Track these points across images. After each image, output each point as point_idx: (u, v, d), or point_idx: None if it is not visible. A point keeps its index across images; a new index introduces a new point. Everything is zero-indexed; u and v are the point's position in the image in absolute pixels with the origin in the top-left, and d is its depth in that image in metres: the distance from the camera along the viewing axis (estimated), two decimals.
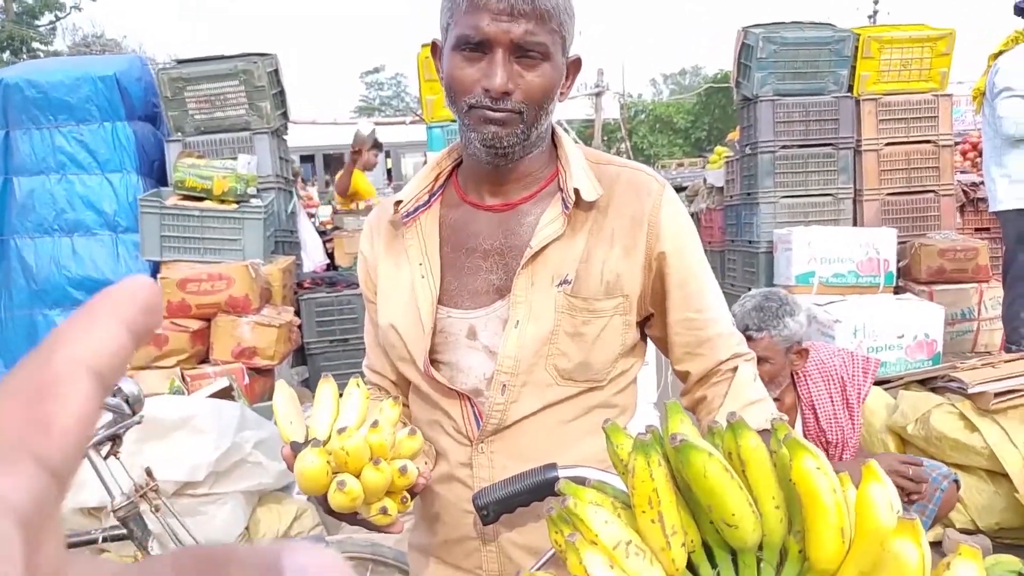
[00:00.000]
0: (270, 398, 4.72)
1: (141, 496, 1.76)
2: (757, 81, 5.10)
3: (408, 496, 1.03)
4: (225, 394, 3.52)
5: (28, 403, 0.22)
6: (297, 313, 4.96)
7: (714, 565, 0.73)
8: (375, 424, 0.95)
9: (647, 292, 1.17)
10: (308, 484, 0.93)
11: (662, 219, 1.15)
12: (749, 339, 2.20)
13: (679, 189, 8.95)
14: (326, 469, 0.92)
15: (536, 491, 1.04)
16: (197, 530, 2.81)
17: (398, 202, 1.21)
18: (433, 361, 1.17)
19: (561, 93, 1.16)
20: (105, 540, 1.80)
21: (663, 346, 1.23)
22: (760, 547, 0.72)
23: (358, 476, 0.93)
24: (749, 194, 5.44)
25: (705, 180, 7.13)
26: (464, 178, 1.23)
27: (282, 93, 5.17)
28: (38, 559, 0.20)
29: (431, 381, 1.17)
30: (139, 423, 1.75)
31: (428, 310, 1.16)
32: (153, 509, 1.78)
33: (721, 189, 6.39)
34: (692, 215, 7.86)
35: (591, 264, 1.13)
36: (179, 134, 4.94)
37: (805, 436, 2.44)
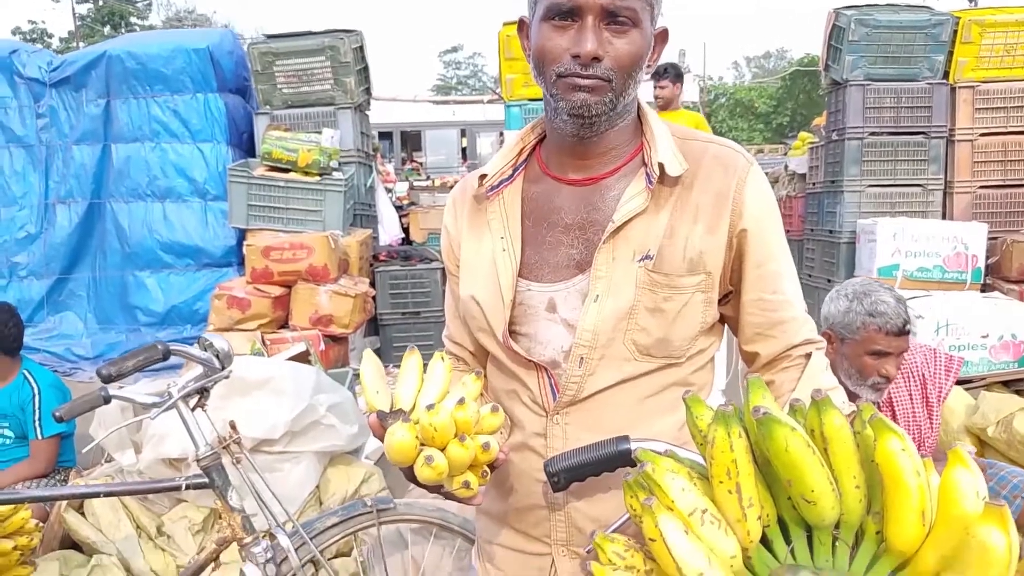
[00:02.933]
0: (344, 364, 4.87)
1: (224, 447, 1.85)
2: (847, 64, 4.91)
3: (488, 470, 1.06)
4: (302, 358, 3.66)
5: None
6: (372, 284, 5.09)
7: (788, 541, 0.73)
8: (461, 401, 0.98)
9: (728, 270, 1.16)
10: (397, 456, 0.97)
11: (746, 196, 1.13)
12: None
13: None
14: (415, 443, 0.96)
15: (607, 462, 1.05)
16: (273, 485, 2.94)
17: (482, 176, 1.23)
18: (512, 333, 1.19)
19: (648, 65, 1.15)
20: (188, 488, 1.91)
21: (734, 325, 1.22)
22: (837, 526, 0.72)
23: (443, 450, 0.96)
24: (833, 182, 5.27)
25: (787, 166, 6.92)
26: (547, 153, 1.24)
27: (366, 69, 5.27)
28: None
29: (509, 352, 1.19)
30: (227, 378, 1.83)
31: (508, 282, 1.17)
32: (234, 461, 1.87)
33: (803, 176, 6.20)
34: None
35: (675, 240, 1.12)
36: (267, 107, 5.10)
37: None
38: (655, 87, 5.13)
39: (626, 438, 1.05)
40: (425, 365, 1.12)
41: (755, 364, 1.22)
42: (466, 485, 0.98)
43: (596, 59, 1.06)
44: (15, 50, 5.15)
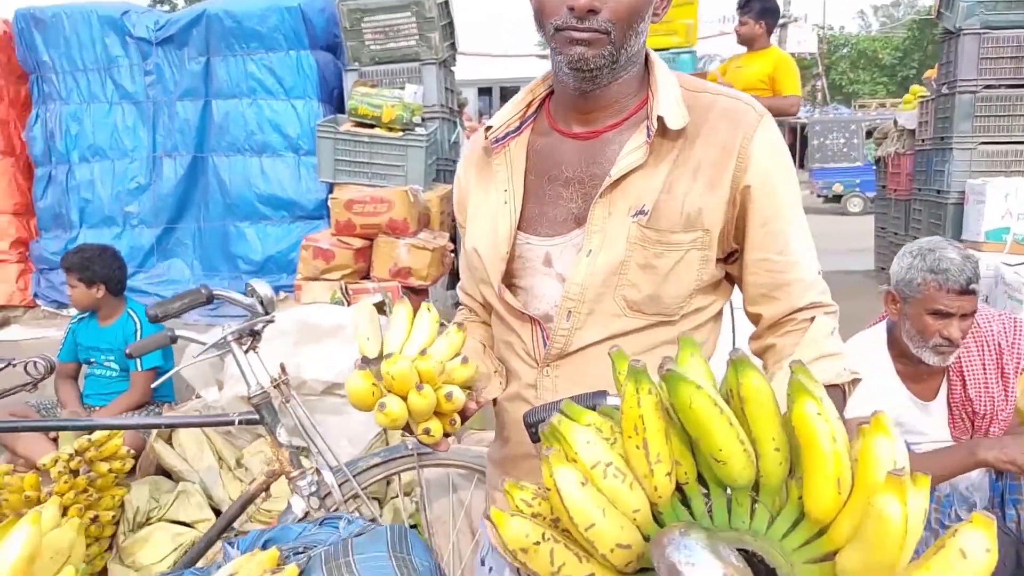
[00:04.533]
0: None
1: (275, 387, 1.97)
2: (962, 11, 4.52)
3: (457, 419, 1.08)
4: (378, 308, 3.79)
5: None
6: (452, 239, 5.17)
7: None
8: (423, 352, 1.01)
9: (730, 228, 1.12)
10: (355, 401, 1.01)
11: (753, 151, 1.09)
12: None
13: (870, 132, 8.16)
14: (371, 390, 0.99)
15: None
16: (342, 427, 3.09)
17: (488, 128, 1.24)
18: (511, 286, 1.21)
19: (655, 14, 1.12)
20: (240, 423, 2.04)
21: (740, 285, 1.18)
22: (757, 488, 0.70)
23: (405, 398, 0.99)
24: (943, 138, 4.91)
25: (896, 122, 6.46)
26: (555, 106, 1.23)
27: (451, 24, 5.28)
28: None
29: (505, 304, 1.20)
30: (272, 322, 1.94)
31: (506, 235, 1.18)
32: (284, 400, 1.98)
33: (912, 132, 5.80)
34: (879, 160, 7.15)
35: (672, 195, 1.10)
36: (356, 64, 5.21)
37: (950, 405, 2.24)
38: (738, 23, 4.74)
39: (604, 393, 1.05)
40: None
41: (759, 327, 1.19)
42: (427, 432, 1.01)
43: (592, 11, 1.04)
44: (126, 11, 5.46)
